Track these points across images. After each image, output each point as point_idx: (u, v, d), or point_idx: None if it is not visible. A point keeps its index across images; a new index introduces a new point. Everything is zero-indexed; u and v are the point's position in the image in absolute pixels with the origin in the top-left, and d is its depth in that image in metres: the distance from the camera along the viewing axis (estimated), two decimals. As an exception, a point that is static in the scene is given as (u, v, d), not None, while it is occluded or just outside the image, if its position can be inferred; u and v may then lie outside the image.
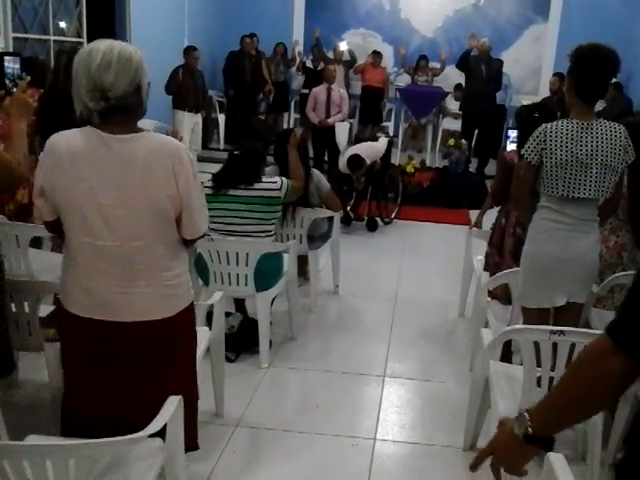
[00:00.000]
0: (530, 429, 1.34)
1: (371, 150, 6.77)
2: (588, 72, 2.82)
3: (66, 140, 2.06)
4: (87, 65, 1.99)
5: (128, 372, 2.18)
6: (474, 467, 1.44)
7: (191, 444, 2.54)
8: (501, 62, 9.67)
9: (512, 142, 3.81)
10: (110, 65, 1.98)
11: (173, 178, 2.05)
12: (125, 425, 1.89)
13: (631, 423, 1.23)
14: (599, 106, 7.16)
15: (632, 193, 3.27)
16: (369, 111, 10.52)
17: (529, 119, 3.45)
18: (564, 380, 1.33)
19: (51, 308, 2.99)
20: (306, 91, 10.09)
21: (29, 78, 2.68)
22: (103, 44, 2.02)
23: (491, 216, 4.27)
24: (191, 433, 2.53)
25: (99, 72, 1.98)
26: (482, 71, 9.24)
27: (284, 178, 3.95)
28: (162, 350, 2.21)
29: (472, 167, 9.25)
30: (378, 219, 7.04)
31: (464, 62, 9.35)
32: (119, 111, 2.03)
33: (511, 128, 3.87)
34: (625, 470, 1.26)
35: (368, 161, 6.57)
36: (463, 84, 9.94)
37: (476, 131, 9.67)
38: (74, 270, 2.15)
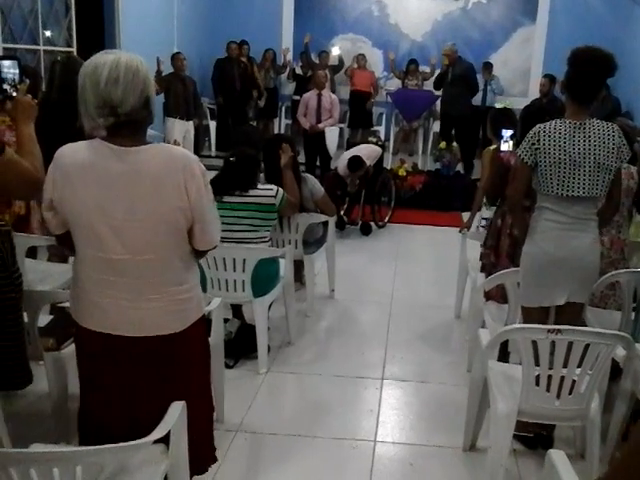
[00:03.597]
0: None
1: (368, 150, 6.88)
2: (579, 73, 2.88)
3: (74, 153, 2.02)
4: (94, 81, 1.93)
5: (143, 385, 2.16)
6: None
7: (212, 457, 2.49)
8: (469, 64, 9.68)
9: (505, 142, 3.79)
10: (118, 81, 1.92)
11: (184, 190, 2.00)
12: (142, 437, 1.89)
13: (628, 421, 1.12)
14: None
15: None
16: (358, 115, 10.56)
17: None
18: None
19: (49, 318, 2.99)
20: (297, 97, 10.13)
21: (28, 81, 2.61)
22: (109, 58, 1.96)
23: (478, 217, 4.29)
24: (212, 445, 2.49)
25: (107, 89, 1.92)
26: (447, 75, 9.54)
27: (280, 188, 3.97)
28: (175, 363, 2.19)
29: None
30: (372, 223, 7.08)
31: (439, 83, 9.87)
32: (129, 125, 1.98)
33: (506, 128, 3.84)
34: None
35: (368, 162, 6.64)
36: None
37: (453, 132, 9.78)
38: (85, 284, 2.11)
